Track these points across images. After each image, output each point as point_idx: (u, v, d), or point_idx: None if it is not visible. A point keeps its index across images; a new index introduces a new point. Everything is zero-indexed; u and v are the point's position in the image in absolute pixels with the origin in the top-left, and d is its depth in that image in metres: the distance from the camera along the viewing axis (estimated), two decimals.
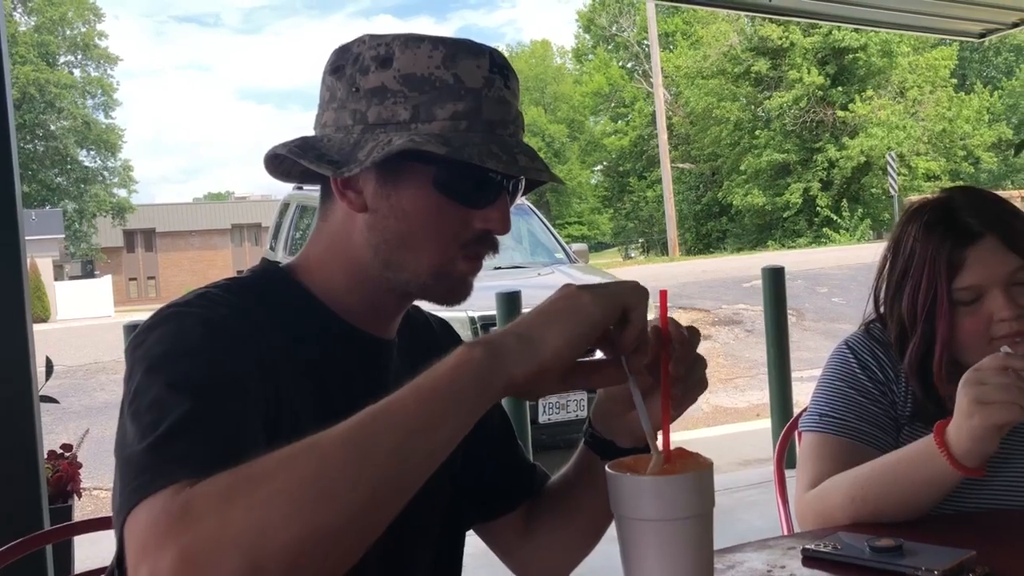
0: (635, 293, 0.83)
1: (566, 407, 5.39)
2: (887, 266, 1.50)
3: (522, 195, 1.05)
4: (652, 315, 0.88)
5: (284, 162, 1.05)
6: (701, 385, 0.93)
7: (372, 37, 1.00)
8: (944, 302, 1.38)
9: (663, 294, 0.90)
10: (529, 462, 1.25)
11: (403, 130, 0.95)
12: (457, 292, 1.02)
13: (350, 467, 0.71)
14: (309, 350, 0.98)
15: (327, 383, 0.98)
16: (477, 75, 0.97)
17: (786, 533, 1.70)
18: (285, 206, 9.27)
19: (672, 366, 0.88)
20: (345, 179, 0.97)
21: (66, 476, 3.50)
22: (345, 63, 1.00)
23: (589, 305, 0.80)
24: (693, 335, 0.91)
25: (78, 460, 3.64)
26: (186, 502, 0.70)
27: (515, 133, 1.00)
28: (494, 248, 1.02)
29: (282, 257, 8.75)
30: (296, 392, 0.94)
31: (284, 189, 9.88)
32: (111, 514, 0.84)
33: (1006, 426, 1.19)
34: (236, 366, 0.88)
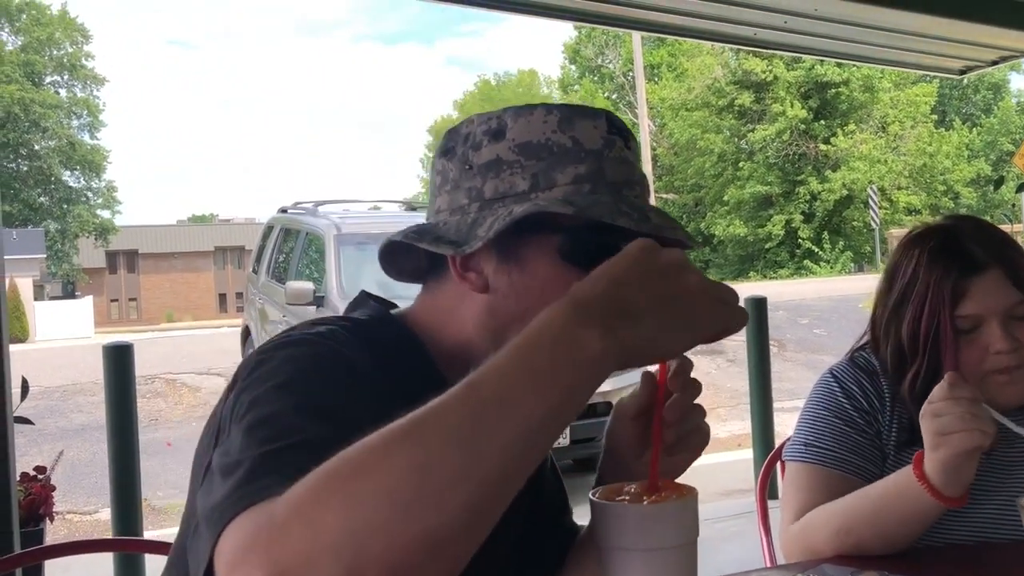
0: (743, 317, 0.75)
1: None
2: (885, 290, 1.49)
3: None
4: None
5: (398, 257, 1.00)
6: (698, 434, 0.90)
7: (480, 115, 0.97)
8: (948, 330, 1.38)
9: None
10: (573, 520, 1.19)
11: (523, 200, 0.91)
12: None
13: (460, 459, 0.62)
14: (413, 406, 0.93)
15: None
16: (596, 136, 0.93)
17: (769, 565, 1.68)
18: (269, 229, 9.24)
19: (666, 411, 0.86)
20: (465, 260, 0.93)
21: (39, 499, 3.44)
22: (455, 143, 0.96)
23: (711, 319, 0.72)
24: (693, 384, 0.89)
25: (51, 483, 3.58)
26: (273, 512, 0.63)
27: (641, 195, 0.95)
28: None
29: (264, 281, 8.71)
30: None
31: (268, 213, 9.85)
32: (92, 538, 0.80)
33: (974, 452, 1.19)
34: (361, 408, 0.81)
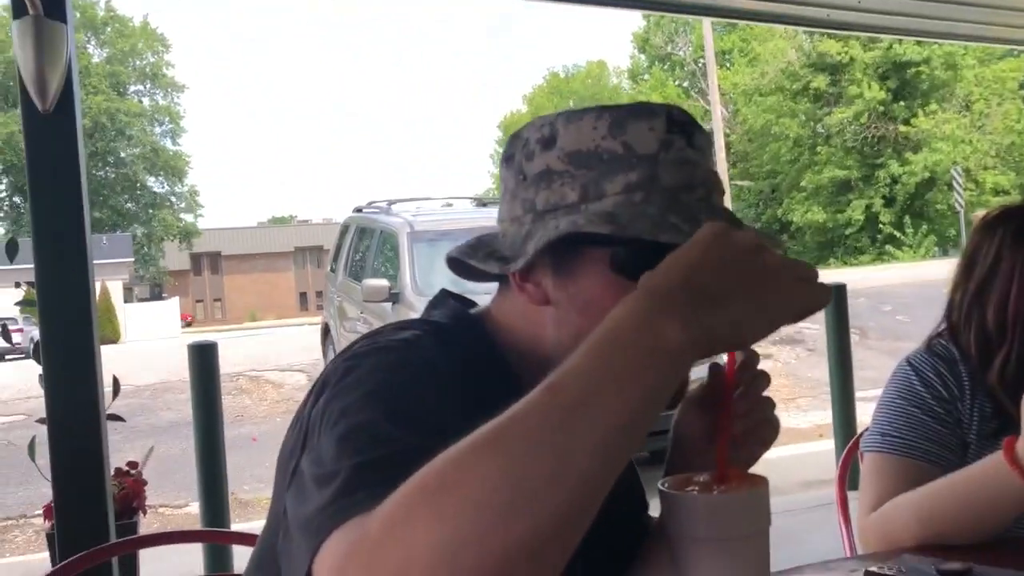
0: (827, 294, 0.72)
1: None
2: (965, 275, 1.45)
3: None
4: None
5: (465, 264, 0.98)
6: (767, 426, 0.89)
7: (540, 118, 0.94)
8: None
9: None
10: (649, 516, 1.17)
11: (572, 212, 0.88)
12: None
13: (550, 465, 0.60)
14: (486, 407, 0.93)
15: None
16: (651, 139, 0.88)
17: (849, 555, 1.65)
18: (345, 228, 9.41)
19: (734, 402, 0.85)
20: (524, 273, 0.91)
21: (132, 493, 3.58)
22: (515, 151, 0.94)
23: (794, 298, 0.70)
24: (761, 377, 0.88)
25: (143, 478, 3.72)
26: (368, 528, 0.62)
27: (707, 196, 0.90)
28: None
29: (342, 279, 8.88)
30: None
31: (344, 213, 10.03)
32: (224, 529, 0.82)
33: None
34: (448, 415, 0.81)
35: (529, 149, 0.92)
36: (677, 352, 0.65)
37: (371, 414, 0.77)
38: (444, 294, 1.03)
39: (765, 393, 0.90)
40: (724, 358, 0.86)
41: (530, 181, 0.91)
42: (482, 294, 1.04)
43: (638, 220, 0.85)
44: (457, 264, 0.99)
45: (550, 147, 0.90)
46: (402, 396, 0.80)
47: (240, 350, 13.04)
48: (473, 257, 0.94)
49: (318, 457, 0.77)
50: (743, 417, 0.87)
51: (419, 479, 0.62)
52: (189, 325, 42.48)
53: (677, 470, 0.97)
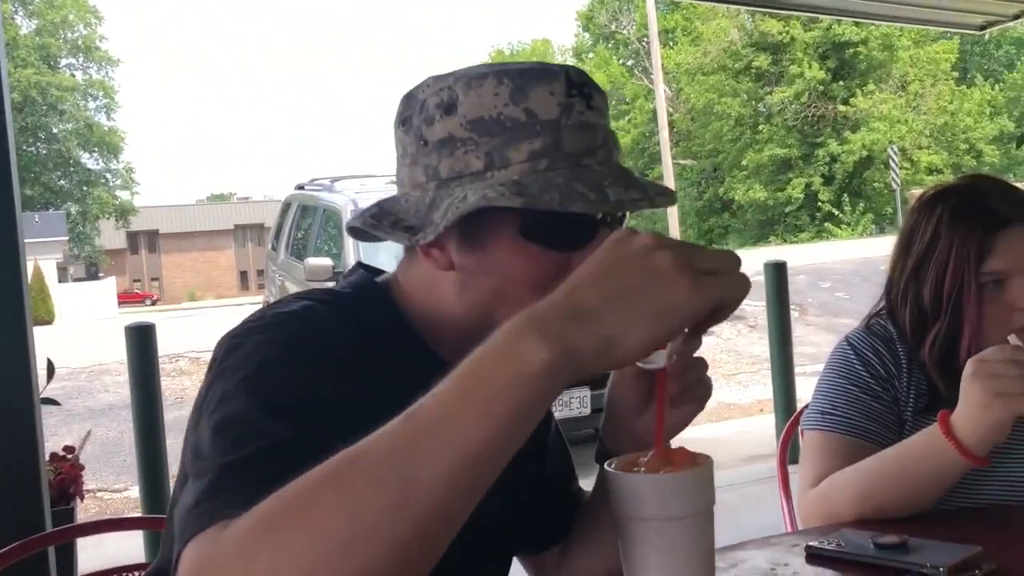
0: (741, 284, 0.68)
1: (569, 404, 5.38)
2: (902, 253, 1.48)
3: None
4: None
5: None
6: (702, 386, 0.90)
7: (435, 80, 0.92)
8: (972, 288, 1.37)
9: None
10: (579, 487, 1.19)
11: (478, 181, 0.88)
12: None
13: (391, 498, 0.60)
14: (402, 383, 0.90)
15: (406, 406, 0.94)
16: (551, 104, 0.88)
17: (790, 530, 1.69)
18: (287, 206, 9.26)
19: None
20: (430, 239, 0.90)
21: (68, 478, 3.50)
22: (412, 113, 0.93)
23: (687, 298, 0.66)
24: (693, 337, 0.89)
25: (80, 462, 3.64)
26: (221, 544, 0.64)
27: (606, 158, 0.91)
28: None
29: (284, 258, 8.75)
30: (377, 411, 0.90)
31: (286, 190, 9.88)
32: (121, 516, 0.82)
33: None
34: (337, 392, 0.82)
35: (428, 113, 0.91)
36: (538, 374, 0.64)
37: (246, 403, 0.78)
38: (357, 265, 1.02)
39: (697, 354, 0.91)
40: None
41: (432, 147, 0.90)
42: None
43: (547, 192, 0.85)
44: (362, 235, 0.98)
45: (451, 113, 0.89)
46: (280, 381, 0.81)
47: (179, 330, 12.81)
48: (379, 228, 0.92)
49: (198, 446, 0.79)
50: (678, 377, 0.88)
51: (268, 507, 0.63)
52: (155, 303, 41.56)
53: (611, 439, 1.00)
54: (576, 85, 0.90)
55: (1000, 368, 1.18)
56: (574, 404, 5.33)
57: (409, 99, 0.94)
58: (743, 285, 0.69)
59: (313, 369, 0.83)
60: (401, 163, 0.95)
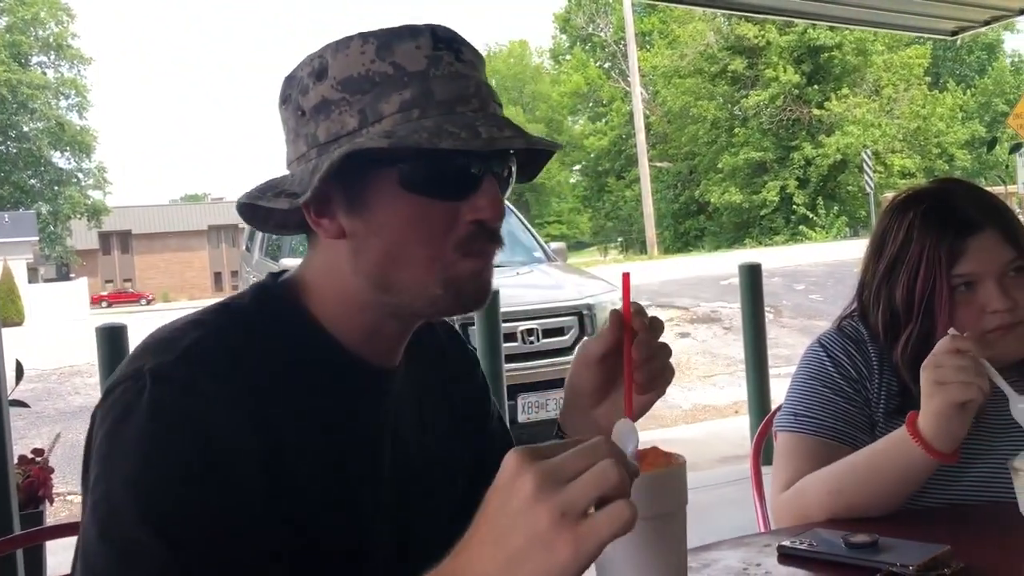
0: (605, 477, 0.65)
1: (545, 406, 5.38)
2: (874, 256, 1.49)
3: (516, 179, 0.95)
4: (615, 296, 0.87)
5: (257, 211, 0.95)
6: (667, 372, 0.91)
7: (308, 56, 0.93)
8: (944, 290, 1.38)
9: (625, 277, 0.89)
10: None
11: (355, 138, 0.87)
12: (472, 294, 0.92)
13: None
14: (308, 386, 0.91)
15: (327, 420, 0.92)
16: (418, 56, 0.88)
17: (763, 530, 1.69)
18: None
19: (634, 350, 0.87)
20: (318, 208, 0.89)
21: (37, 482, 3.44)
22: (291, 91, 0.93)
23: (572, 559, 0.64)
24: (656, 323, 0.90)
25: (50, 465, 3.59)
26: None
27: (481, 107, 0.89)
28: (494, 239, 0.91)
29: (258, 259, 8.69)
30: (295, 433, 0.88)
31: None
32: None
33: (968, 405, 1.19)
34: (224, 456, 0.81)
35: (303, 84, 0.91)
36: None
37: (124, 517, 0.78)
38: (265, 281, 0.98)
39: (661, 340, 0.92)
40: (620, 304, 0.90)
41: (309, 115, 0.90)
42: None
43: (416, 133, 0.85)
44: (249, 210, 0.96)
45: (323, 78, 0.89)
46: (154, 490, 0.79)
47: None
48: (262, 199, 0.91)
49: (85, 546, 0.80)
50: (645, 364, 0.89)
51: None
52: (150, 302, 41.01)
53: (570, 426, 1.01)
54: (443, 40, 0.90)
55: (942, 359, 1.21)
56: (550, 405, 5.33)
57: (289, 79, 0.94)
58: (605, 474, 0.65)
59: (186, 463, 0.80)
60: (287, 143, 0.94)
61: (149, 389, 0.82)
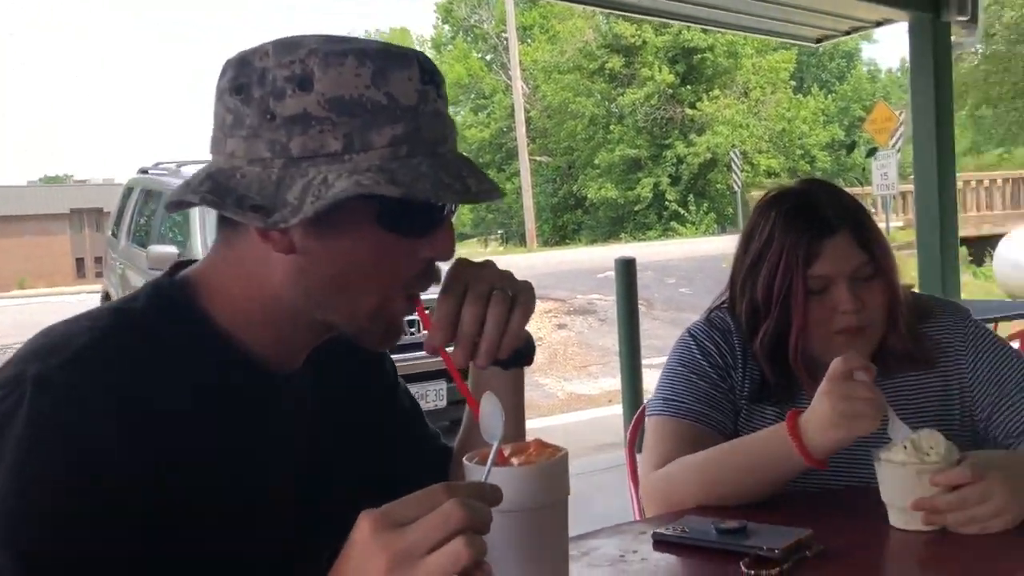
0: (445, 519, 0.70)
1: (425, 397, 5.37)
2: (742, 251, 1.55)
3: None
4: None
5: (184, 204, 0.89)
6: (478, 326, 0.93)
7: (280, 49, 0.87)
8: (800, 289, 1.45)
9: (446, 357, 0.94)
10: (442, 443, 1.19)
11: (336, 162, 0.84)
12: (391, 336, 0.94)
13: None
14: (204, 393, 0.88)
15: (223, 428, 0.89)
16: (410, 90, 0.87)
17: (638, 518, 1.74)
18: (128, 191, 8.81)
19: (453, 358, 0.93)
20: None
21: None
22: (250, 82, 0.86)
23: None
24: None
25: None
26: None
27: (453, 147, 0.91)
28: (437, 279, 0.94)
29: (124, 244, 8.32)
30: (193, 439, 0.86)
31: (128, 174, 9.38)
32: None
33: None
34: (99, 470, 0.78)
35: (277, 86, 0.85)
36: None
37: (7, 555, 0.75)
38: (159, 280, 0.94)
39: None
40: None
41: (280, 122, 0.85)
42: None
43: (419, 181, 0.84)
44: (182, 209, 0.90)
45: (307, 89, 0.85)
46: (34, 528, 0.76)
47: (7, 320, 11.95)
48: (223, 206, 0.85)
49: None
50: (459, 344, 0.93)
51: None
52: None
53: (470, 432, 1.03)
54: (427, 72, 0.89)
55: (849, 390, 1.23)
56: (430, 396, 5.32)
57: (243, 65, 0.88)
58: (462, 520, 0.70)
59: (71, 484, 0.78)
60: (232, 132, 0.87)
61: (29, 397, 0.78)
